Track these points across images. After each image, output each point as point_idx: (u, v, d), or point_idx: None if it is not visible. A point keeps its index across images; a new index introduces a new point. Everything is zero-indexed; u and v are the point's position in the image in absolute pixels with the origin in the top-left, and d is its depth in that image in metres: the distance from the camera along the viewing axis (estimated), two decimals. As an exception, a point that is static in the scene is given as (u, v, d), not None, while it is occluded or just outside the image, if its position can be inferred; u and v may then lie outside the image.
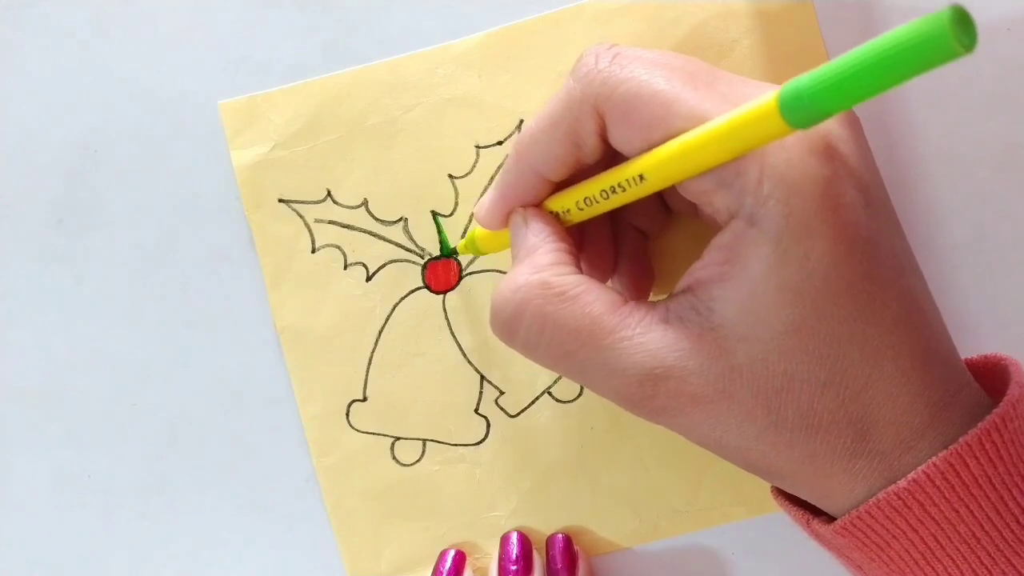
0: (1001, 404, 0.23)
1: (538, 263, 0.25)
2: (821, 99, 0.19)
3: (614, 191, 0.25)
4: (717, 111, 0.23)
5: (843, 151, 0.23)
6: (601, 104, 0.24)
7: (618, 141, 0.25)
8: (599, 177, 0.25)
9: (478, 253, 0.31)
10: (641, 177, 0.24)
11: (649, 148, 0.24)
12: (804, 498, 0.26)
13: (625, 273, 0.30)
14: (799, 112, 0.20)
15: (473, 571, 0.33)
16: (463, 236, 0.33)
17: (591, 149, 0.26)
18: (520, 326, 0.25)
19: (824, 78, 0.19)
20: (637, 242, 0.30)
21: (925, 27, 0.17)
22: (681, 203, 0.29)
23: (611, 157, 0.26)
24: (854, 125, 0.25)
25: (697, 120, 0.23)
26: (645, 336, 0.24)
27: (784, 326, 0.23)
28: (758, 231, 0.23)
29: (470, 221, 0.33)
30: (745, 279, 0.23)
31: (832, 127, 0.23)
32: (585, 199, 0.26)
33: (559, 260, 0.26)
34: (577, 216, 0.27)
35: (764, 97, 0.21)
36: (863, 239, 0.23)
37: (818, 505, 0.26)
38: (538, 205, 0.27)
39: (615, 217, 0.30)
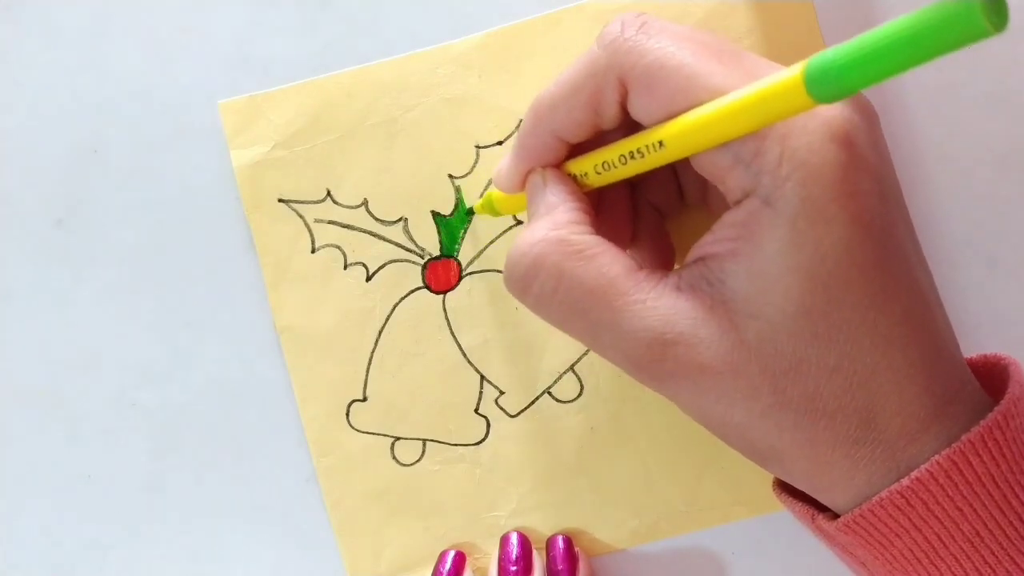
0: (1002, 402, 0.24)
1: (557, 220, 0.25)
2: (848, 74, 0.19)
3: (632, 156, 0.25)
4: (741, 86, 0.22)
5: (862, 141, 0.23)
6: (626, 73, 0.24)
7: (639, 111, 0.25)
8: (619, 143, 0.25)
9: (495, 214, 0.31)
10: (661, 144, 0.24)
11: (670, 119, 0.24)
12: (801, 488, 0.26)
13: (645, 246, 0.30)
14: (825, 86, 0.20)
15: (473, 571, 0.33)
16: (463, 234, 0.33)
17: (611, 116, 0.26)
18: (535, 280, 0.25)
19: (851, 53, 0.19)
20: (655, 218, 0.30)
21: (954, 4, 0.17)
22: (692, 186, 0.30)
23: (631, 124, 0.26)
24: (872, 118, 0.25)
25: (721, 94, 0.23)
26: (658, 301, 0.24)
27: (795, 308, 0.23)
28: (773, 212, 0.23)
29: (470, 220, 0.33)
30: (758, 258, 0.23)
31: (852, 118, 0.23)
32: (603, 163, 0.26)
33: (577, 219, 0.26)
34: (595, 180, 0.27)
35: (790, 69, 0.21)
36: (877, 228, 0.23)
37: (815, 496, 0.26)
38: (557, 167, 0.27)
39: (634, 192, 0.30)
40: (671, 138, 0.24)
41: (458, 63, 0.32)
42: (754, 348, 0.23)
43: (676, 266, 0.31)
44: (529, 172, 0.28)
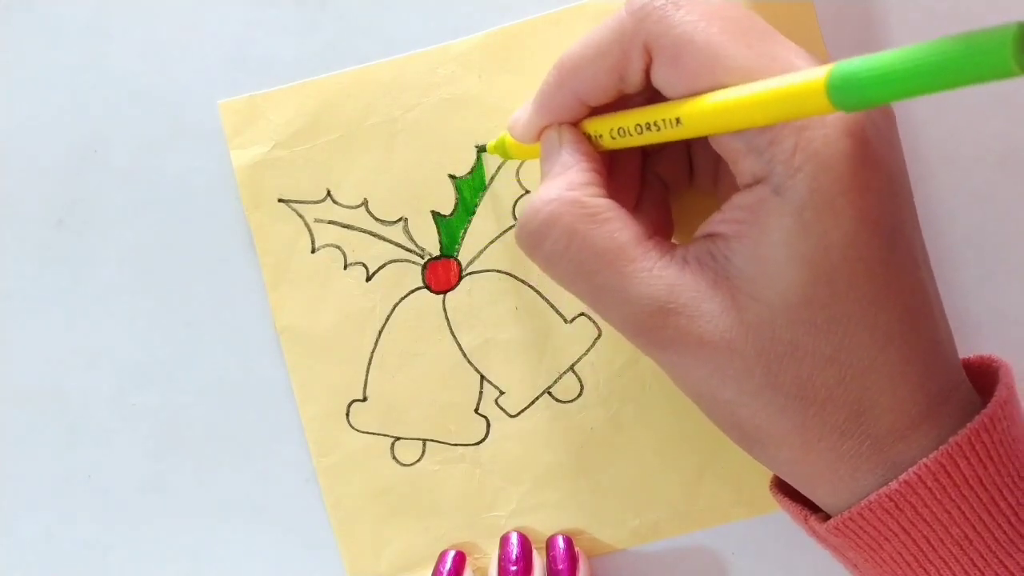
0: (989, 405, 0.24)
1: (572, 181, 0.26)
2: (870, 89, 0.19)
3: (648, 128, 0.25)
4: (766, 72, 0.23)
5: (877, 138, 0.23)
6: (652, 42, 0.24)
7: (661, 81, 0.25)
8: (636, 111, 0.25)
9: (507, 157, 0.31)
10: (678, 120, 0.24)
11: (691, 94, 0.24)
12: (784, 476, 0.26)
13: (646, 215, 0.30)
14: (846, 95, 0.20)
15: (473, 571, 0.33)
16: (463, 234, 0.33)
17: (634, 83, 0.26)
18: (547, 238, 0.25)
19: (876, 69, 0.19)
20: (660, 189, 0.31)
21: (985, 41, 0.17)
22: (703, 168, 0.30)
23: (653, 90, 0.26)
24: (890, 117, 0.25)
25: (744, 78, 0.23)
26: (664, 271, 0.24)
27: (796, 298, 0.23)
28: (782, 200, 0.23)
29: (470, 222, 0.33)
30: (763, 243, 0.23)
31: (870, 114, 0.24)
32: (619, 129, 0.26)
33: (591, 181, 0.26)
34: (609, 144, 0.27)
35: (813, 73, 0.21)
36: (885, 225, 0.23)
37: (801, 490, 0.26)
38: (573, 125, 0.27)
39: (644, 160, 0.30)
40: (688, 117, 0.24)
41: (458, 63, 0.32)
42: (752, 329, 0.23)
43: (675, 242, 0.31)
44: (545, 127, 0.28)
